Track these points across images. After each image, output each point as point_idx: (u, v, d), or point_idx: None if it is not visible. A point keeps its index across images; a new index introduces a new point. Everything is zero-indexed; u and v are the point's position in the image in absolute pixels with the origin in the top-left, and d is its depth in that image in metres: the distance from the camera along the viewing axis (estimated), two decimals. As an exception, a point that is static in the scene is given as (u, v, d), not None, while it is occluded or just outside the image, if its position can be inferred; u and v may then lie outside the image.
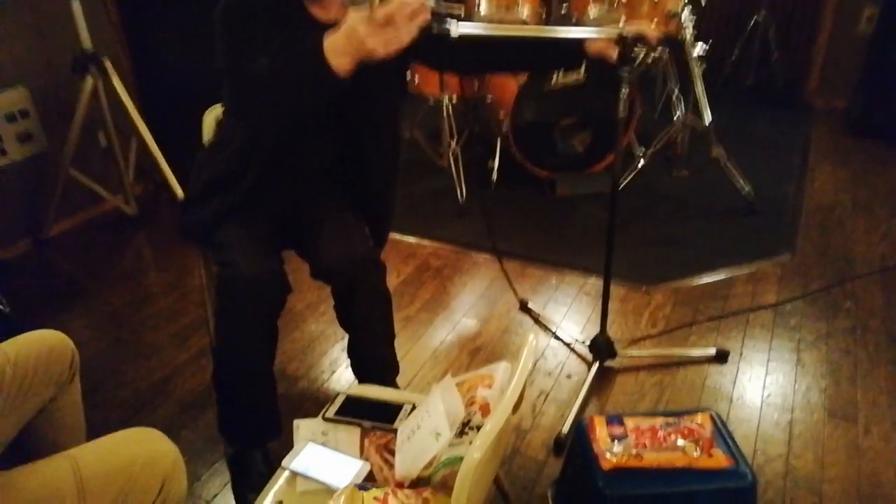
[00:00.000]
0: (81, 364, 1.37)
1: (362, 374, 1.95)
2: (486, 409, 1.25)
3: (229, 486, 1.75)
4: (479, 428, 1.19)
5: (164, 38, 3.14)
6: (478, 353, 2.22)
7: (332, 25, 1.49)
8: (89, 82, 2.72)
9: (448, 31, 1.14)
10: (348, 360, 1.96)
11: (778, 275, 2.57)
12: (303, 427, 1.37)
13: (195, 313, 2.42)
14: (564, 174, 3.25)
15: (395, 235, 2.93)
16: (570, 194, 3.20)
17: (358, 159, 1.73)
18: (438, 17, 1.13)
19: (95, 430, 1.91)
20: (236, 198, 1.63)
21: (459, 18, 1.21)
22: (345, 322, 1.87)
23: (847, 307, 2.36)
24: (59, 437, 1.34)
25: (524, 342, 1.21)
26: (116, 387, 2.10)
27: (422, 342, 2.27)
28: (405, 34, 1.11)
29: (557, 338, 2.28)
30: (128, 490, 1.08)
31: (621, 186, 3.13)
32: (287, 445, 1.33)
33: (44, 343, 1.29)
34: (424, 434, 1.23)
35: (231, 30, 1.41)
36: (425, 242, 2.88)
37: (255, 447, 1.71)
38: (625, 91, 1.64)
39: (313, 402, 2.02)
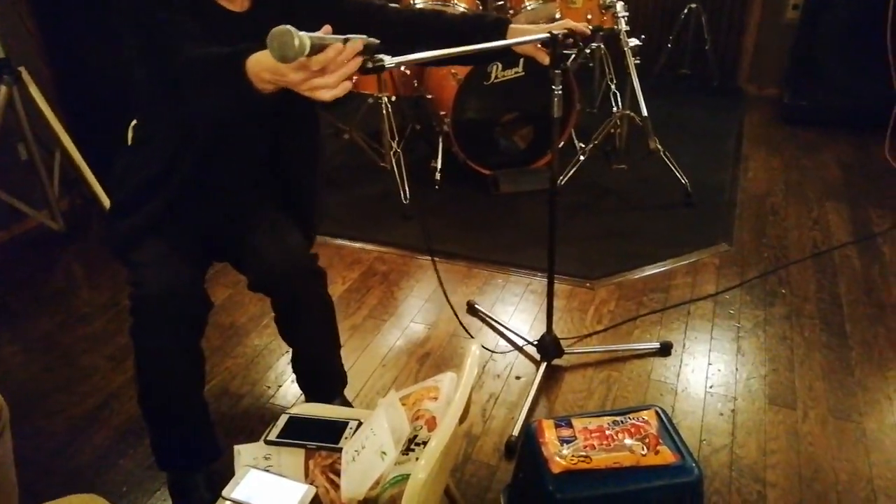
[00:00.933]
0: (10, 392, 1.29)
1: (309, 388, 1.91)
2: (432, 423, 1.23)
3: (172, 514, 1.69)
4: (425, 444, 1.17)
5: (85, 47, 3.00)
6: (426, 358, 2.20)
7: (240, 15, 1.46)
8: (3, 91, 2.58)
9: (382, 64, 1.11)
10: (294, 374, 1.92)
11: (716, 264, 2.62)
12: (244, 452, 1.32)
13: (131, 333, 2.33)
14: (508, 171, 3.25)
15: (339, 241, 2.88)
16: (514, 191, 3.20)
17: (277, 156, 1.66)
18: (369, 51, 1.09)
19: (26, 466, 1.82)
20: (164, 203, 1.54)
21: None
22: (287, 335, 1.82)
23: (783, 293, 2.43)
24: None
25: (468, 351, 1.20)
26: (48, 415, 2.00)
27: (370, 351, 2.24)
28: (336, 83, 1.06)
29: (506, 339, 2.28)
30: None
31: (563, 182, 3.16)
32: (232, 469, 1.29)
33: None
34: (369, 453, 1.20)
35: (142, 29, 1.32)
36: (370, 247, 2.84)
37: (194, 471, 1.65)
38: (557, 91, 1.63)
39: (259, 421, 1.96)
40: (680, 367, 2.11)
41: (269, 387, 2.10)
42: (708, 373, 2.08)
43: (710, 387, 2.03)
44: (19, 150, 2.89)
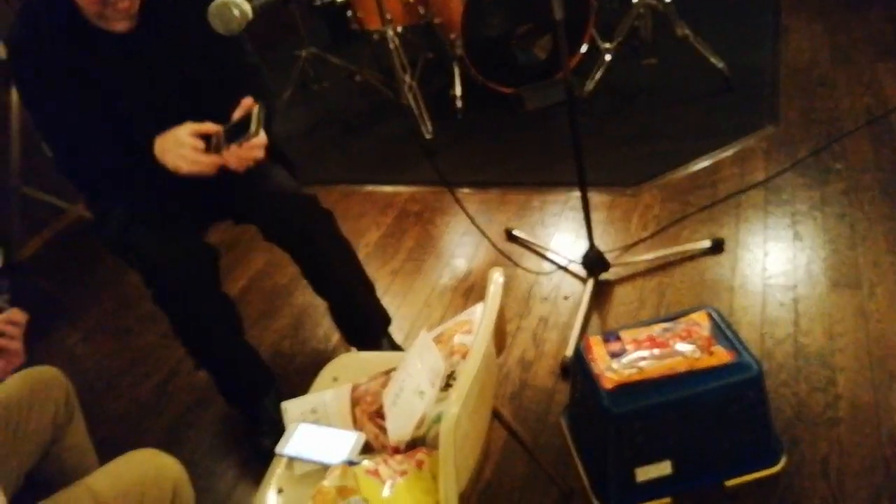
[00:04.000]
0: (79, 381, 1.35)
1: (353, 334, 1.90)
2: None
3: (246, 477, 1.74)
4: (466, 378, 1.14)
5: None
6: (471, 292, 2.17)
7: (124, 36, 1.46)
8: (15, 93, 2.59)
9: None
10: (340, 327, 1.91)
11: (764, 149, 2.46)
12: (291, 408, 1.33)
13: (180, 308, 2.37)
14: (531, 87, 3.10)
15: (368, 187, 2.84)
16: (541, 106, 3.07)
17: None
18: None
19: (103, 449, 1.89)
20: (142, 186, 1.56)
21: None
22: (317, 286, 1.83)
23: (838, 168, 2.27)
24: (73, 476, 1.33)
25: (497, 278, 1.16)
26: (116, 398, 2.08)
27: (413, 293, 2.22)
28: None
29: (549, 260, 2.21)
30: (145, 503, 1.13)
31: (591, 87, 3.00)
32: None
33: (34, 380, 1.28)
34: (408, 395, 1.19)
35: (28, 84, 1.47)
36: (401, 188, 2.78)
37: (259, 400, 1.76)
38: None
39: (314, 377, 1.98)
40: (735, 262, 2.01)
41: (319, 342, 2.12)
42: (765, 264, 1.98)
43: (768, 278, 1.93)
44: (44, 147, 2.92)
